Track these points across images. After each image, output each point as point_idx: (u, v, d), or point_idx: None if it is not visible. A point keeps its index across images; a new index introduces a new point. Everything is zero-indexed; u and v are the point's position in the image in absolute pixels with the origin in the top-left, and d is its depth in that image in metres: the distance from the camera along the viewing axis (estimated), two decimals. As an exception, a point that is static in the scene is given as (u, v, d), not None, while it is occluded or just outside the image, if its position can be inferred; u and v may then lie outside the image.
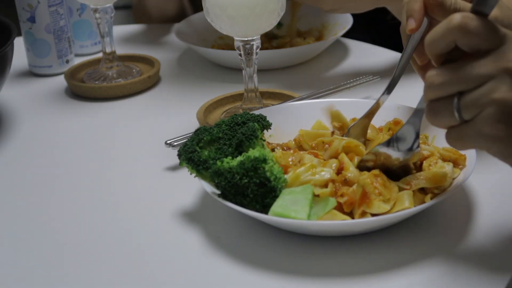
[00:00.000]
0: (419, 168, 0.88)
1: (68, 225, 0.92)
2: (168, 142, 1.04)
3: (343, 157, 0.88)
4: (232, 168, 0.82)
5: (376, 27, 1.56)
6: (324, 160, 0.90)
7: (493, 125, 0.69)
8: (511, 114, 0.69)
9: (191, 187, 0.96)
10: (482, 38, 0.69)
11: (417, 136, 0.83)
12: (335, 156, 0.90)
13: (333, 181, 0.85)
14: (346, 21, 1.40)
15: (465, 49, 0.70)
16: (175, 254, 0.85)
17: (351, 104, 1.02)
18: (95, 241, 0.89)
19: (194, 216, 0.91)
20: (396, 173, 0.86)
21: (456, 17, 0.69)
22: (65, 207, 0.96)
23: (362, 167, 0.87)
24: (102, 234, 0.90)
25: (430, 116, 0.73)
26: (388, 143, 0.85)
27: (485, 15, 0.70)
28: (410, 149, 0.84)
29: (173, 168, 1.03)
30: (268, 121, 0.93)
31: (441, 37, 0.70)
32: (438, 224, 0.86)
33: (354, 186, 0.83)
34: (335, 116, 1.01)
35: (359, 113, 0.99)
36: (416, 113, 0.83)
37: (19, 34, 1.36)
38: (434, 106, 0.72)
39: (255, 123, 0.90)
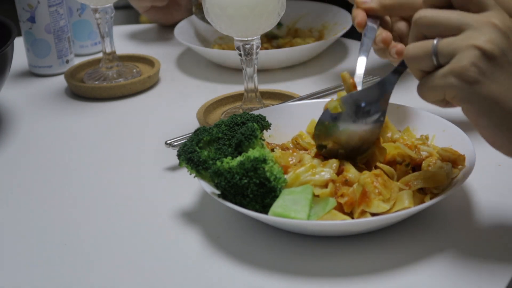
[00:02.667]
0: (418, 168, 0.88)
1: (68, 225, 0.92)
2: (168, 142, 1.04)
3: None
4: (232, 168, 0.82)
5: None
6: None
7: (466, 65, 0.72)
8: (486, 61, 0.72)
9: (191, 187, 0.96)
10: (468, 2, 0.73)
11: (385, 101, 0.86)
12: None
13: (333, 181, 0.85)
14: (346, 21, 1.40)
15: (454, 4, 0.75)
16: (175, 254, 0.85)
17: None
18: (95, 241, 0.89)
19: (194, 216, 0.91)
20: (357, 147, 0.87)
21: None
22: (65, 207, 0.96)
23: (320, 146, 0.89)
24: (102, 234, 0.90)
25: (409, 57, 0.75)
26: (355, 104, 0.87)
27: None
28: (373, 117, 0.87)
29: (173, 168, 1.03)
30: (267, 121, 0.93)
31: None
32: (438, 224, 0.86)
33: (355, 186, 0.84)
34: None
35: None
36: (394, 73, 0.85)
37: (19, 34, 1.36)
38: (414, 47, 0.75)
39: (254, 123, 0.90)
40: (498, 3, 0.80)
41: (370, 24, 0.94)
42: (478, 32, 0.72)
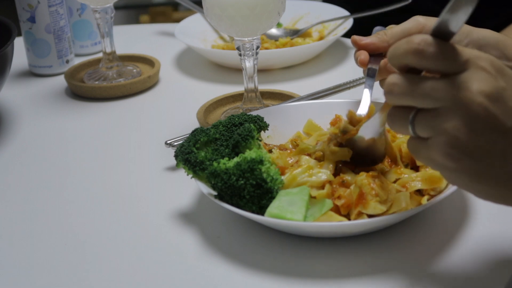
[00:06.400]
0: (415, 169, 0.88)
1: (68, 225, 0.93)
2: (168, 142, 1.04)
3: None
4: (229, 169, 0.82)
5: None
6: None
7: (442, 155, 0.68)
8: (460, 148, 0.67)
9: (191, 187, 0.96)
10: (440, 64, 0.67)
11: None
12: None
13: (330, 182, 0.85)
14: (346, 21, 1.40)
15: (425, 71, 0.69)
16: (173, 254, 0.85)
17: (351, 104, 1.02)
18: (95, 241, 0.89)
19: (193, 216, 0.92)
20: (363, 156, 0.87)
21: (415, 40, 0.67)
22: (65, 207, 0.97)
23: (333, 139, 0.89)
24: (102, 234, 0.90)
25: (389, 122, 0.72)
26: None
27: (450, 34, 0.67)
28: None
29: (173, 168, 1.03)
30: (265, 122, 0.93)
31: (400, 56, 0.69)
32: (435, 225, 0.86)
33: (352, 187, 0.83)
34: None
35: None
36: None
37: (19, 34, 1.36)
38: (393, 113, 0.71)
39: (252, 124, 0.90)
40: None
41: (371, 66, 0.95)
42: (451, 113, 0.67)
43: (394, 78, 0.70)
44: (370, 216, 0.81)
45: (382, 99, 0.78)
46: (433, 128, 0.68)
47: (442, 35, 0.68)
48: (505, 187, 0.70)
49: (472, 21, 0.97)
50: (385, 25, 1.08)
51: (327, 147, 0.88)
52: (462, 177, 0.69)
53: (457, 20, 0.67)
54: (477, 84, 0.66)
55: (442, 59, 0.67)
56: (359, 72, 1.24)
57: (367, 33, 1.53)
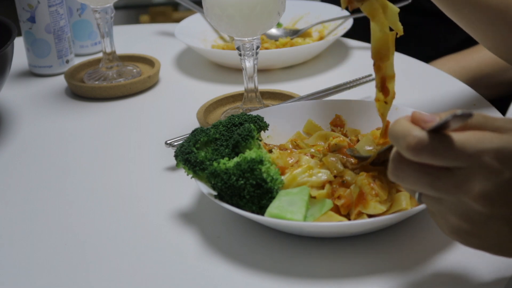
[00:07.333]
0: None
1: (68, 225, 0.93)
2: (168, 142, 1.04)
3: None
4: (229, 169, 0.83)
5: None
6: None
7: (448, 232, 0.70)
8: (464, 232, 0.68)
9: (191, 187, 0.96)
10: (440, 162, 0.64)
11: None
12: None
13: (330, 182, 0.85)
14: (346, 21, 1.40)
15: None
16: (173, 254, 0.85)
17: (351, 104, 1.02)
18: (95, 241, 0.89)
19: (193, 216, 0.92)
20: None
21: (411, 141, 0.63)
22: (65, 207, 0.97)
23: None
24: (102, 234, 0.90)
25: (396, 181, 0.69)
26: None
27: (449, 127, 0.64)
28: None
29: (173, 168, 1.03)
30: (265, 122, 0.93)
31: (397, 147, 0.65)
32: (435, 225, 0.85)
33: (352, 187, 0.83)
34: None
35: (359, 113, 0.99)
36: None
37: (19, 34, 1.36)
38: (403, 185, 0.69)
39: (252, 124, 0.90)
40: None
41: None
42: (452, 207, 0.66)
43: (396, 168, 0.67)
44: (370, 216, 0.82)
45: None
46: (437, 210, 0.69)
47: (440, 130, 0.64)
48: None
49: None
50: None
51: (326, 157, 0.88)
52: (471, 246, 0.71)
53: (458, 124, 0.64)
54: (479, 186, 0.64)
55: (442, 159, 0.64)
56: (359, 72, 1.24)
57: (367, 33, 1.53)
